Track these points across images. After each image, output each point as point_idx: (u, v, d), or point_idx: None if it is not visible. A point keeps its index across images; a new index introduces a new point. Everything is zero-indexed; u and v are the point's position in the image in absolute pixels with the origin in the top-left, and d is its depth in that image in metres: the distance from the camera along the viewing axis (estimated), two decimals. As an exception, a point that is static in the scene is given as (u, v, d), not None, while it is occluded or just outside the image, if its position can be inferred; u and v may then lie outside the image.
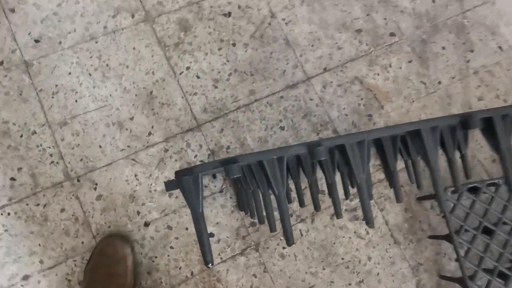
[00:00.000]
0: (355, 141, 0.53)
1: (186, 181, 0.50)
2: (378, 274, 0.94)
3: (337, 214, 0.79)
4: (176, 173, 0.53)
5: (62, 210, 0.90)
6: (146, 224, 0.92)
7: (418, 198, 0.98)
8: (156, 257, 0.90)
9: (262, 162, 0.51)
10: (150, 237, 0.91)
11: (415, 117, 1.04)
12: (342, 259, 0.94)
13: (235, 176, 0.49)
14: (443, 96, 1.06)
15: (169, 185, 0.54)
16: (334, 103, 1.03)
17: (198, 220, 0.48)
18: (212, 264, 0.46)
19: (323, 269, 0.93)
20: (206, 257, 0.47)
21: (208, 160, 0.96)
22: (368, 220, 0.60)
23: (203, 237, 0.47)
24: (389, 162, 0.64)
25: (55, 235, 0.89)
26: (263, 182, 0.56)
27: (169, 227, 0.92)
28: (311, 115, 1.02)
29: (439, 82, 1.07)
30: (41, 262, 0.88)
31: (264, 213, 0.80)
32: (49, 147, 0.93)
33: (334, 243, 0.95)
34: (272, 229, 0.81)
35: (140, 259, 0.90)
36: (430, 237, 0.96)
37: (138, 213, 0.92)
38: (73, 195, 0.91)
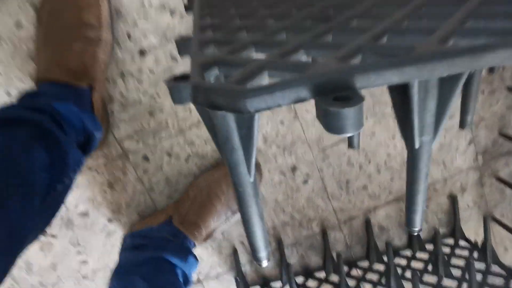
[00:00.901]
0: None
1: (224, 120, 0.24)
2: (429, 127, 0.78)
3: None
4: (197, 89, 0.23)
5: (18, 25, 0.63)
6: (142, 53, 0.67)
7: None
8: (158, 94, 0.70)
9: (407, 86, 0.23)
10: (149, 69, 0.68)
11: None
12: (392, 109, 0.76)
13: (353, 134, 0.22)
14: None
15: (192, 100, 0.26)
16: None
17: (244, 195, 0.26)
18: (268, 261, 0.28)
19: (366, 118, 0.76)
20: (258, 253, 0.27)
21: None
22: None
23: (253, 225, 0.26)
24: None
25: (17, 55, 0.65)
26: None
27: (174, 58, 0.68)
28: None
29: None
30: None
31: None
32: None
33: (385, 91, 0.74)
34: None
35: (138, 96, 0.70)
36: (511, 89, 0.75)
37: (129, 36, 0.66)
38: (28, 2, 0.62)
